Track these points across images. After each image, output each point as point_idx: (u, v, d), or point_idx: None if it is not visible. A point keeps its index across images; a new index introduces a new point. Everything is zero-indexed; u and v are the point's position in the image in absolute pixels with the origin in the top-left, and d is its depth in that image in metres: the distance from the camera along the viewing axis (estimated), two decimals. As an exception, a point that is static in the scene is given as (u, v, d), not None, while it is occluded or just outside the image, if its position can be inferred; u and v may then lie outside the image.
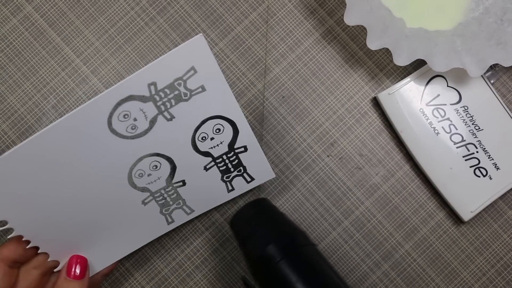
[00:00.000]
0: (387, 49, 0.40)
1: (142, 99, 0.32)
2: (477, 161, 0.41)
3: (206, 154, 0.37)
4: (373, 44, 0.39)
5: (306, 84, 0.43)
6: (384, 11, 0.40)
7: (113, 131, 0.33)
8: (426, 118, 0.42)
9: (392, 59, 0.39)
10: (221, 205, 0.42)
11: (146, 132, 0.34)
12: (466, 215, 0.41)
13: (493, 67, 0.43)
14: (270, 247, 0.33)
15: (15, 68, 0.43)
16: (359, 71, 0.44)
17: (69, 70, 0.43)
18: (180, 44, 0.43)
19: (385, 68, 0.44)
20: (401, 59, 0.39)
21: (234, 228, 0.37)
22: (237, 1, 0.44)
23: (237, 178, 0.39)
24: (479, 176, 0.41)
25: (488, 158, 0.41)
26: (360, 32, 0.44)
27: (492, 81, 0.43)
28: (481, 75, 0.42)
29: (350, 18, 0.38)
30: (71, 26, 0.43)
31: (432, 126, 0.42)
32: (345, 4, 0.39)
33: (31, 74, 0.43)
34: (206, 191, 0.39)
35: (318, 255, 0.34)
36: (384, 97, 0.42)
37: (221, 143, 0.37)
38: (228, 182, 0.39)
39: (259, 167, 0.39)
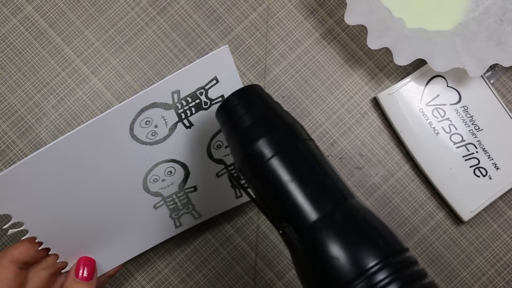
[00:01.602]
0: (387, 49, 0.40)
1: (165, 106, 0.33)
2: (477, 161, 0.41)
3: (219, 161, 0.38)
4: (373, 44, 0.39)
5: (306, 84, 0.44)
6: (384, 11, 0.40)
7: (134, 137, 0.33)
8: (426, 118, 0.42)
9: (392, 59, 0.39)
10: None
11: (165, 138, 0.34)
12: (466, 215, 0.41)
13: (493, 67, 0.43)
14: (261, 142, 0.27)
15: (15, 68, 0.43)
16: (359, 71, 0.44)
17: (69, 70, 0.43)
18: (180, 44, 0.43)
19: (385, 68, 0.44)
20: (401, 59, 0.39)
21: (219, 118, 0.31)
22: (237, 1, 0.44)
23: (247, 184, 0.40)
24: (479, 176, 0.41)
25: (488, 158, 0.41)
26: (360, 32, 0.44)
27: (492, 81, 0.43)
28: (481, 75, 0.42)
29: (350, 18, 0.38)
30: (71, 26, 0.43)
31: (432, 126, 0.42)
32: (345, 4, 0.39)
33: (31, 74, 0.43)
34: (216, 197, 0.39)
35: (319, 152, 0.28)
36: (384, 97, 0.42)
37: None
38: (237, 189, 0.40)
39: None
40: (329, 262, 0.24)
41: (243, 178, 0.29)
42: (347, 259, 0.24)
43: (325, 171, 0.27)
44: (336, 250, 0.24)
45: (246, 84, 0.43)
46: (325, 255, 0.25)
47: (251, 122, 0.29)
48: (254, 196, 0.29)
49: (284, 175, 0.27)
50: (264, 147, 0.27)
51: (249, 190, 0.30)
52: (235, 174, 0.37)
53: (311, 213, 0.26)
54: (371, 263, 0.24)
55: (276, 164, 0.27)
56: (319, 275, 0.25)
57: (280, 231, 0.27)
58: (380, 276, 0.23)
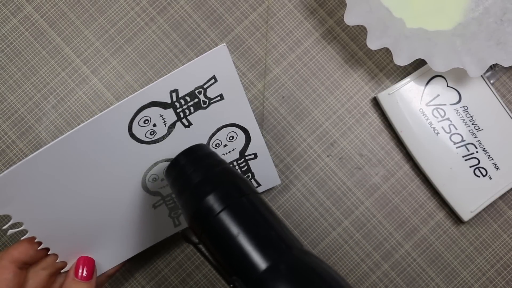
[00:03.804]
0: (387, 49, 0.40)
1: (163, 105, 0.33)
2: (477, 161, 0.41)
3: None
4: (373, 44, 0.39)
5: (306, 84, 0.44)
6: (384, 11, 0.40)
7: (132, 135, 0.33)
8: (426, 118, 0.42)
9: (392, 59, 0.39)
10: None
11: (163, 138, 0.34)
12: (466, 215, 0.41)
13: (493, 67, 0.43)
14: (208, 199, 0.29)
15: (15, 68, 0.43)
16: (359, 71, 0.44)
17: (69, 70, 0.43)
18: (180, 44, 0.43)
19: (385, 68, 0.44)
20: (401, 59, 0.39)
21: (169, 179, 0.33)
22: (237, 1, 0.44)
23: None
24: (479, 176, 0.41)
25: (488, 158, 0.41)
26: (360, 32, 0.44)
27: (491, 81, 0.43)
28: (481, 75, 0.42)
29: (350, 18, 0.38)
30: (71, 26, 0.43)
31: (432, 126, 0.42)
32: (345, 4, 0.39)
33: (31, 74, 0.43)
34: None
35: (263, 205, 0.30)
36: (384, 97, 0.42)
37: (233, 150, 0.38)
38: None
39: (266, 174, 0.40)
40: None
41: (194, 234, 0.30)
42: None
43: (269, 223, 0.29)
44: None
45: (245, 84, 0.43)
46: None
47: (200, 179, 0.30)
48: (205, 252, 0.30)
49: (232, 229, 0.28)
50: (213, 203, 0.29)
51: (200, 246, 0.31)
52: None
53: (257, 265, 0.26)
54: None
55: (224, 219, 0.28)
56: None
57: (231, 285, 0.27)
58: None
